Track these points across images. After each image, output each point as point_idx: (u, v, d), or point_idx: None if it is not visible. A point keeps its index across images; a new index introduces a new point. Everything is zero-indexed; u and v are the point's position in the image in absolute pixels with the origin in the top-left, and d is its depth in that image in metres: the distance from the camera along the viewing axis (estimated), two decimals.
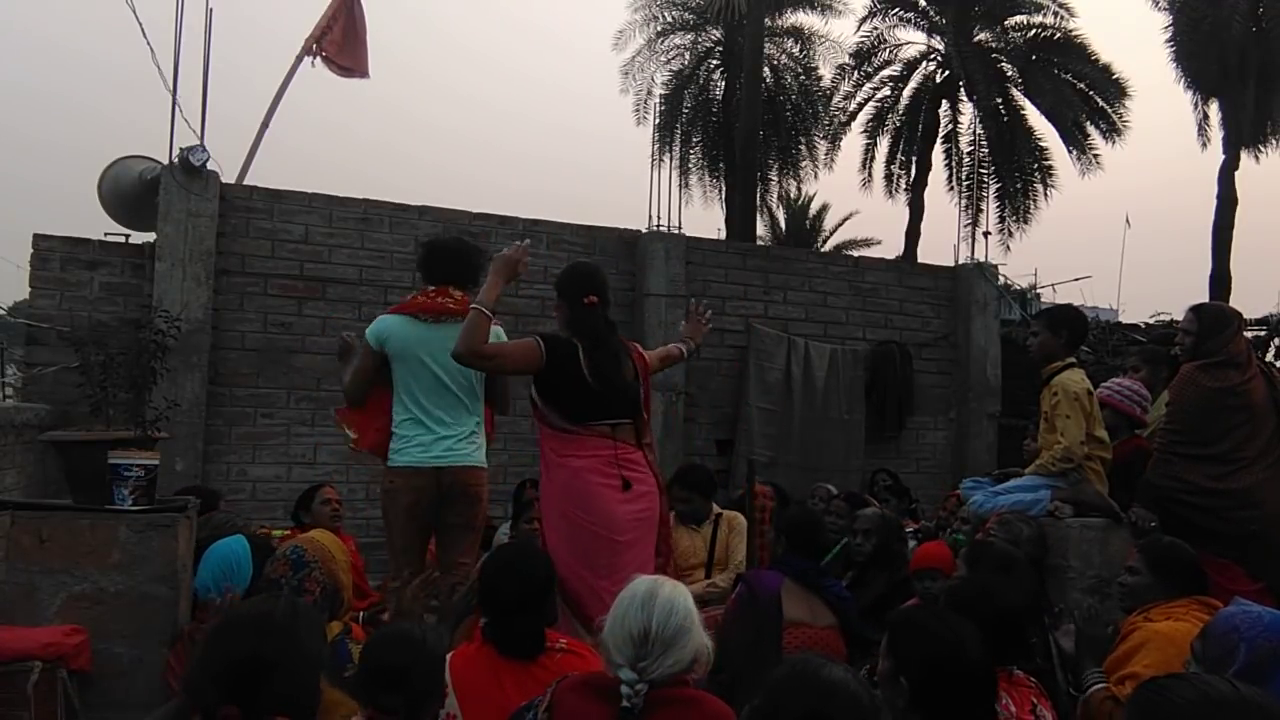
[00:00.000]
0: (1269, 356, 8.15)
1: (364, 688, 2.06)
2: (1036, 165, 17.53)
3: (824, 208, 26.91)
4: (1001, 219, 17.47)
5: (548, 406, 3.28)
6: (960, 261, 8.78)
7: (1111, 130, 16.78)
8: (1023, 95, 17.19)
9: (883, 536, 4.13)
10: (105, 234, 6.18)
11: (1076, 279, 17.55)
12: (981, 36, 17.56)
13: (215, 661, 1.73)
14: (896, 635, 2.10)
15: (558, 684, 2.07)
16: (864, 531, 4.18)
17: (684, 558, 4.46)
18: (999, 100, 16.89)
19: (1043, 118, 17.05)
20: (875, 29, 18.01)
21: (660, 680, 1.91)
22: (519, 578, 2.45)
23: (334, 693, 2.10)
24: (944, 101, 18.11)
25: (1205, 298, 13.90)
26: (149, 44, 6.13)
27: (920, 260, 14.09)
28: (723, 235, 16.19)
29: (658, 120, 16.24)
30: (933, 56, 18.13)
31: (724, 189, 18.73)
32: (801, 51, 19.21)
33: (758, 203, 17.83)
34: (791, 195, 22.08)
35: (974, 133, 16.87)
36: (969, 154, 17.26)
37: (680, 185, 17.95)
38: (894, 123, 18.35)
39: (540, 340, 3.28)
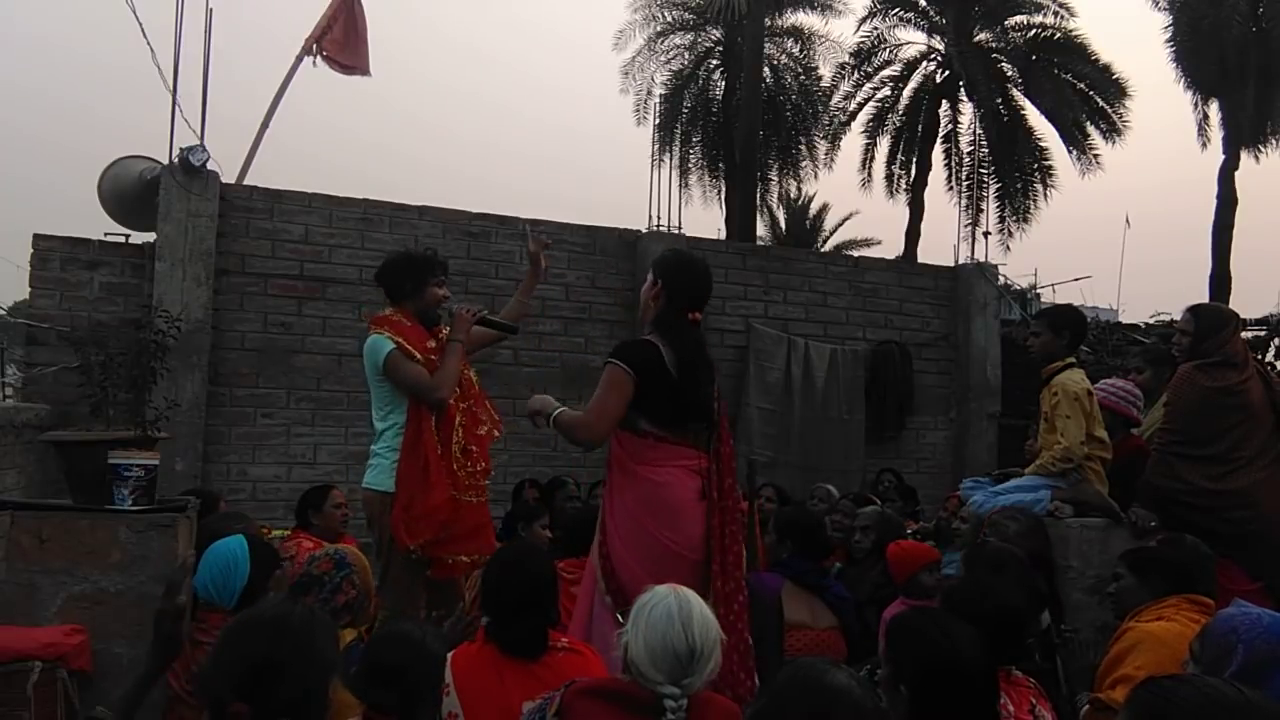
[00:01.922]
0: (1269, 356, 8.16)
1: (362, 685, 2.07)
2: (1036, 165, 17.52)
3: (824, 208, 26.96)
4: (1001, 219, 17.46)
5: (642, 415, 3.02)
6: (960, 261, 8.79)
7: (1111, 130, 16.77)
8: (1023, 95, 17.17)
9: (881, 533, 4.15)
10: (105, 234, 6.19)
11: (1076, 279, 17.62)
12: (981, 36, 17.54)
13: (230, 661, 1.75)
14: (893, 642, 2.10)
15: (567, 688, 2.08)
16: (863, 529, 4.23)
17: None
18: (999, 100, 16.88)
19: (1043, 118, 17.05)
20: (875, 29, 18.00)
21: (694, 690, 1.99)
22: (523, 577, 2.46)
23: (345, 695, 2.11)
24: (944, 101, 18.10)
25: (1205, 298, 13.91)
26: (149, 44, 6.14)
27: (920, 260, 14.10)
28: (723, 235, 16.18)
29: (658, 120, 16.21)
30: (933, 56, 18.12)
31: (724, 189, 18.72)
32: (801, 51, 19.20)
33: (758, 203, 17.82)
34: (791, 195, 22.07)
35: (974, 133, 16.87)
36: (969, 154, 17.25)
37: (680, 185, 17.94)
38: (894, 123, 18.34)
39: (624, 367, 2.98)
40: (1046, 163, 17.51)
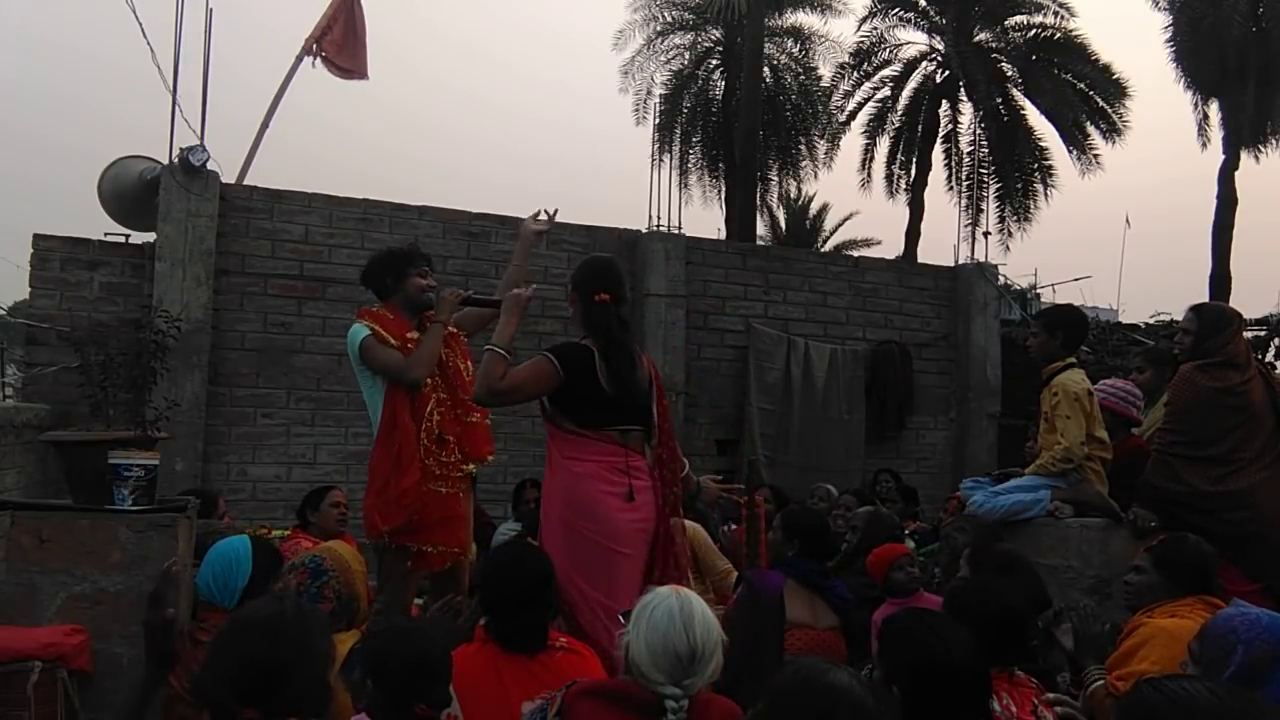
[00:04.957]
0: (1269, 356, 8.16)
1: (415, 688, 2.04)
2: (1036, 165, 17.51)
3: (824, 208, 26.96)
4: (1001, 219, 17.45)
5: (557, 410, 3.15)
6: (960, 261, 8.80)
7: (1111, 130, 16.76)
8: (1023, 95, 17.17)
9: (867, 534, 4.19)
10: (105, 234, 6.20)
11: (1076, 279, 17.54)
12: (981, 36, 17.54)
13: (229, 663, 1.74)
14: (885, 643, 2.10)
15: (567, 689, 2.08)
16: (853, 528, 4.32)
17: None
18: (999, 100, 16.88)
19: (1043, 118, 17.04)
20: (875, 29, 18.00)
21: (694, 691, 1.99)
22: (521, 572, 2.47)
23: (345, 697, 2.11)
24: (944, 101, 18.09)
25: (1205, 298, 13.88)
26: (149, 44, 6.16)
27: (920, 260, 14.10)
28: (723, 235, 16.18)
29: (658, 120, 16.17)
30: (933, 56, 18.11)
31: (724, 189, 18.72)
32: (801, 51, 19.19)
33: (758, 203, 17.82)
34: (791, 195, 22.09)
35: (974, 133, 16.86)
36: (969, 154, 17.24)
37: (680, 185, 17.94)
38: (894, 123, 18.34)
39: (552, 359, 3.10)
40: (1046, 163, 17.51)
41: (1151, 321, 9.49)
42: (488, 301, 3.75)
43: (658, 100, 17.42)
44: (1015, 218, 17.59)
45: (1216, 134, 17.07)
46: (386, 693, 2.03)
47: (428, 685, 2.05)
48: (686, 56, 19.01)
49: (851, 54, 18.09)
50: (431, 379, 3.48)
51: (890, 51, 18.26)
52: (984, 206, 12.37)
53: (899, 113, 18.32)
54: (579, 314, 3.25)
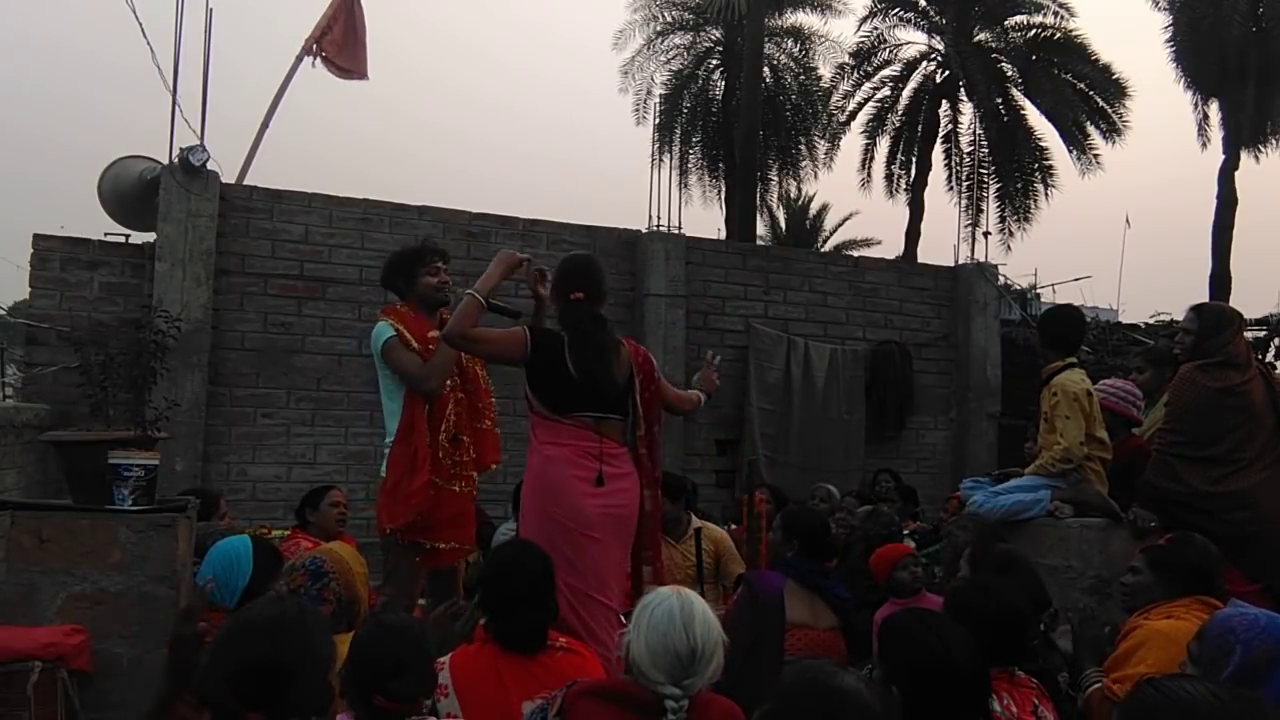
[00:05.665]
0: (1269, 356, 8.16)
1: (373, 680, 2.03)
2: (1036, 165, 17.51)
3: (824, 208, 26.98)
4: (1001, 219, 17.45)
5: (533, 390, 3.27)
6: (960, 261, 8.79)
7: (1111, 130, 16.77)
8: (1023, 95, 17.17)
9: (864, 530, 4.21)
10: (105, 234, 6.20)
11: (1076, 279, 17.56)
12: (981, 36, 17.54)
13: (230, 666, 1.73)
14: (885, 642, 2.10)
15: (568, 689, 2.08)
16: (851, 527, 4.34)
17: (668, 572, 4.41)
18: (999, 100, 16.88)
19: (1043, 118, 17.04)
20: (875, 29, 18.00)
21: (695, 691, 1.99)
22: (521, 572, 2.47)
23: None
24: (944, 101, 18.09)
25: (1205, 298, 13.88)
26: (149, 44, 6.16)
27: (920, 260, 14.10)
28: (723, 235, 16.18)
29: (657, 120, 16.21)
30: (933, 56, 18.11)
31: (724, 189, 18.72)
32: (801, 51, 19.20)
33: (758, 203, 17.82)
34: (791, 195, 22.09)
35: (974, 133, 16.86)
36: (969, 154, 17.23)
37: (680, 185, 17.94)
38: (894, 123, 18.34)
39: (528, 330, 3.28)
40: (1046, 162, 17.51)
41: (1151, 321, 9.50)
42: (502, 309, 3.81)
43: (658, 100, 17.45)
44: (1015, 218, 17.60)
45: (1216, 134, 17.10)
46: (354, 684, 2.02)
47: (386, 676, 2.03)
48: (686, 56, 19.02)
49: (851, 54, 18.11)
50: (452, 380, 3.58)
51: (890, 51, 18.28)
52: (984, 206, 12.38)
53: (899, 113, 18.32)
54: (557, 312, 3.40)
